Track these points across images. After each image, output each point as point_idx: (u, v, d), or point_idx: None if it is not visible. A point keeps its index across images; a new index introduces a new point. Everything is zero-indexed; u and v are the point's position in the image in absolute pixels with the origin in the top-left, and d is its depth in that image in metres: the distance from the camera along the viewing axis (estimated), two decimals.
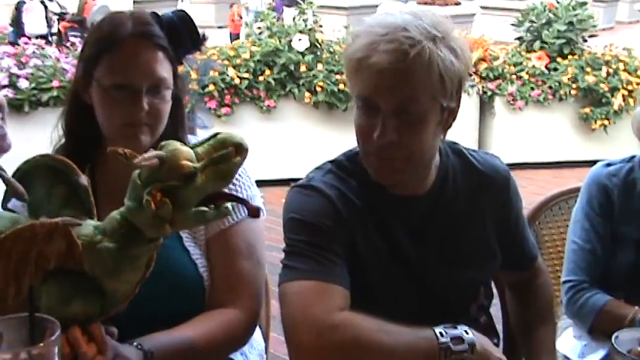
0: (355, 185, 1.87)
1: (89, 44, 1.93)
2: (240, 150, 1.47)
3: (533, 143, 7.74)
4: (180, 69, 1.99)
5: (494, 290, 2.14)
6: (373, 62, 1.69)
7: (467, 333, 1.69)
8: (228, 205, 1.50)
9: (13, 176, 1.63)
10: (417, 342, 1.68)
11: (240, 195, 1.97)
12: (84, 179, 1.61)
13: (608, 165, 2.42)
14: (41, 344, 1.26)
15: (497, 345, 2.04)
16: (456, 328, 1.70)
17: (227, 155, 1.46)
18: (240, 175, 1.99)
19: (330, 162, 1.92)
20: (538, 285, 2.16)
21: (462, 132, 7.12)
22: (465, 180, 1.94)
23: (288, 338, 1.73)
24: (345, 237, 1.81)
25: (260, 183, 2.11)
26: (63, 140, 1.99)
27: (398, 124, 1.72)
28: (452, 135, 1.92)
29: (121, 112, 1.85)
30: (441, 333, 1.68)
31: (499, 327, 2.19)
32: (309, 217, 1.81)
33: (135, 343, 1.70)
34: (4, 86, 6.59)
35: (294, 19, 7.57)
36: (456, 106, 1.79)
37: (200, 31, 1.97)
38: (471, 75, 1.80)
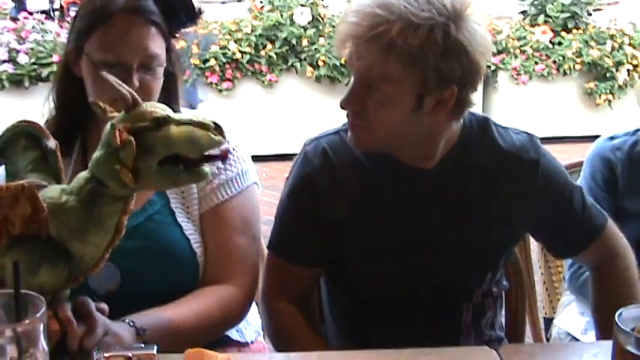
0: (357, 152, 1.86)
1: (80, 16, 1.90)
2: (219, 130, 1.47)
3: (537, 118, 7.70)
4: (181, 45, 1.97)
5: None
6: (340, 30, 1.74)
7: None
8: (206, 168, 1.50)
9: None
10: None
11: (235, 169, 1.95)
12: (52, 143, 1.61)
13: (612, 138, 2.38)
14: (26, 321, 1.23)
15: (494, 338, 2.02)
16: None
17: (207, 125, 1.46)
18: (234, 149, 1.97)
19: (345, 124, 1.91)
20: (614, 267, 2.02)
21: None
22: (484, 158, 1.88)
23: None
24: (323, 210, 1.86)
25: (261, 158, 2.10)
26: (54, 114, 1.97)
27: (363, 97, 1.73)
28: None
29: (110, 88, 1.81)
30: None
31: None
32: (290, 186, 1.92)
33: (127, 320, 1.68)
34: (4, 61, 6.58)
35: None
36: (449, 96, 1.71)
37: (196, 4, 1.93)
38: (477, 71, 1.72)
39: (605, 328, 1.97)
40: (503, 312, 2.16)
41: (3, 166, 1.66)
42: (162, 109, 1.48)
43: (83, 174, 1.51)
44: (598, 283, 2.05)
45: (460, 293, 1.93)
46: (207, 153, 1.49)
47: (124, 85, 1.50)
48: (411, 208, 1.85)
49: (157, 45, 1.86)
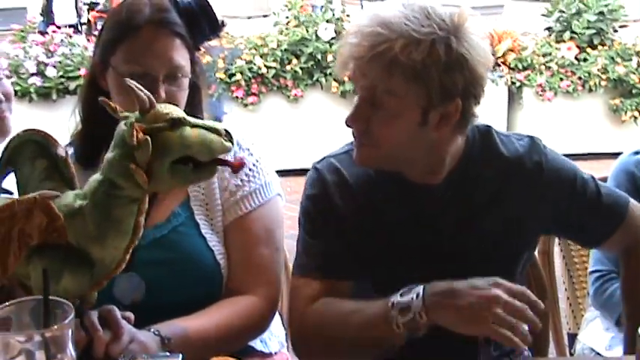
0: (363, 171, 1.86)
1: (106, 30, 1.93)
2: (229, 137, 1.49)
3: (562, 134, 7.65)
4: (207, 59, 1.99)
5: None
6: (342, 52, 1.74)
7: (416, 297, 1.64)
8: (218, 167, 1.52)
9: (1, 158, 1.63)
10: (371, 320, 1.70)
11: (259, 181, 1.97)
12: (62, 150, 1.62)
13: (636, 153, 2.39)
14: (55, 327, 1.25)
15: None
16: (410, 291, 1.66)
17: (219, 130, 1.48)
18: (257, 161, 1.99)
19: (351, 143, 1.90)
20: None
21: (489, 123, 7.06)
22: (488, 168, 1.88)
23: None
24: (339, 223, 1.85)
25: (285, 172, 2.11)
26: (80, 127, 1.99)
27: (368, 115, 1.74)
28: None
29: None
30: (393, 303, 1.66)
31: None
32: (306, 205, 1.91)
33: (152, 330, 1.70)
34: (33, 74, 6.64)
35: (321, 8, 7.54)
36: (454, 110, 1.73)
37: (219, 17, 1.95)
38: (480, 83, 1.74)
39: (631, 311, 2.01)
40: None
41: (12, 174, 1.67)
42: (177, 111, 1.50)
43: (95, 177, 1.52)
44: (627, 266, 2.05)
45: None
46: (221, 157, 1.50)
47: (142, 89, 1.51)
48: (421, 224, 1.85)
49: (181, 56, 1.88)
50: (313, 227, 1.91)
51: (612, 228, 1.98)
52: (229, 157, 1.83)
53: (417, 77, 1.67)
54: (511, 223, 1.88)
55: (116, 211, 1.50)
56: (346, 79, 7.15)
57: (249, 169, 1.97)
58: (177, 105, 1.86)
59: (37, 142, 1.63)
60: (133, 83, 1.52)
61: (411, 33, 1.66)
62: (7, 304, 1.31)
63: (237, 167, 1.55)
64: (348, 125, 1.79)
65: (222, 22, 1.96)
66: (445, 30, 1.68)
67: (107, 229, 1.50)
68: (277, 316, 2.06)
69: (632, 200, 2.01)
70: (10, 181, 1.67)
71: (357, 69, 1.72)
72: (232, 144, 1.49)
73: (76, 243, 1.50)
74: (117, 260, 1.54)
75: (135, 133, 1.43)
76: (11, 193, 1.67)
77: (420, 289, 1.65)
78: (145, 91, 1.50)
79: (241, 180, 1.95)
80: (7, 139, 2.04)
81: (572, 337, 2.56)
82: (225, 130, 1.49)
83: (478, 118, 1.82)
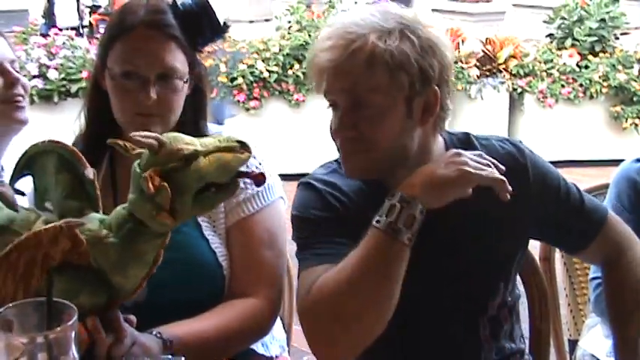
0: (356, 184, 1.85)
1: (105, 31, 1.96)
2: (244, 147, 1.46)
3: (563, 141, 7.67)
4: (209, 63, 1.99)
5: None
6: (315, 62, 1.74)
7: (392, 196, 1.68)
8: (240, 182, 1.49)
9: (19, 160, 1.63)
10: (366, 251, 1.68)
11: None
12: (90, 172, 1.59)
13: (638, 160, 2.39)
14: (58, 328, 1.25)
15: (515, 351, 2.01)
16: (384, 202, 1.69)
17: (233, 147, 1.45)
18: (260, 163, 1.99)
19: (335, 160, 1.91)
20: (625, 264, 2.01)
21: (491, 129, 7.07)
22: None
23: None
24: (339, 224, 1.81)
25: (288, 177, 2.11)
26: (83, 128, 2.00)
27: (355, 119, 1.74)
28: (480, 131, 1.90)
29: (130, 101, 1.85)
30: (377, 220, 1.67)
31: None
32: (303, 212, 1.85)
33: (154, 332, 1.70)
34: (35, 76, 6.64)
35: (323, 13, 7.55)
36: (434, 98, 1.74)
37: (221, 19, 1.96)
38: (450, 69, 1.77)
39: (616, 323, 2.01)
40: (527, 325, 2.15)
41: (30, 178, 1.66)
42: (188, 144, 1.45)
43: (122, 212, 1.50)
44: (608, 277, 2.05)
45: (474, 307, 1.91)
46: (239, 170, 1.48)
47: (144, 133, 1.45)
48: None
49: (175, 58, 1.89)
50: (313, 228, 1.84)
51: (594, 231, 1.98)
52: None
53: (398, 66, 1.69)
54: (503, 225, 1.87)
55: (141, 246, 1.49)
56: None
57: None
58: (170, 107, 1.87)
59: (61, 156, 1.61)
60: (137, 134, 1.45)
61: (381, 25, 1.71)
62: (10, 305, 1.31)
63: (258, 179, 1.51)
64: (333, 138, 1.78)
65: (225, 23, 1.96)
66: (407, 20, 1.73)
67: (130, 260, 1.50)
68: (279, 320, 2.06)
69: (610, 212, 2.02)
70: (23, 183, 1.67)
71: (337, 72, 1.72)
72: (249, 152, 1.46)
73: (96, 266, 1.49)
74: (134, 288, 1.53)
75: (150, 181, 1.40)
76: (23, 194, 1.67)
77: (392, 193, 1.69)
78: (150, 134, 1.45)
79: (244, 182, 1.95)
80: (23, 129, 2.05)
81: (573, 344, 2.56)
82: (238, 141, 1.46)
83: (451, 109, 1.83)
